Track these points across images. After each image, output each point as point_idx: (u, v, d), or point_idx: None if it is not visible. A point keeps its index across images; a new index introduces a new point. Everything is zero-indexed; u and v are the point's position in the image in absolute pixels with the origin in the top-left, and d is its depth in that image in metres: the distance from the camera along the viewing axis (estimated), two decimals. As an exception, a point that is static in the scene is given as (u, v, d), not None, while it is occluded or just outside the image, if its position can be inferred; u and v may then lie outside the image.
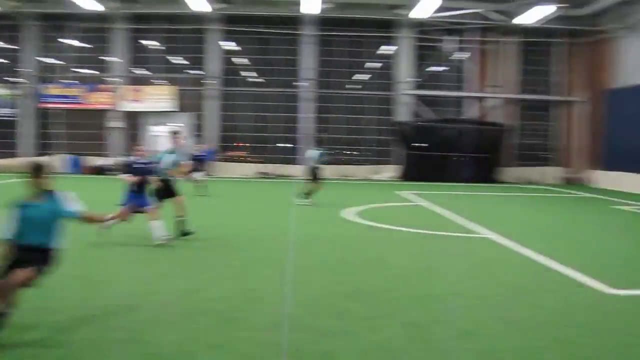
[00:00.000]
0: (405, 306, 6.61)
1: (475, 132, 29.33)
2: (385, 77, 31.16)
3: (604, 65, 31.04)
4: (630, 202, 20.83)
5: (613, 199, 21.99)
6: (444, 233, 12.28)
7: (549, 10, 25.45)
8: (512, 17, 28.27)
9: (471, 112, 31.35)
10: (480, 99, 31.43)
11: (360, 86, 31.44)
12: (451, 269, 8.66)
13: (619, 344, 5.50)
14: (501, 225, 13.53)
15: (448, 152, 28.80)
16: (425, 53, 31.05)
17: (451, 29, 30.27)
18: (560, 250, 10.43)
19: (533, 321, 6.15)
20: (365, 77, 31.70)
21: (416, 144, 29.01)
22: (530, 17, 26.83)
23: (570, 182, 31.02)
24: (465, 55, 31.31)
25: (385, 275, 8.21)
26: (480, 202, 19.85)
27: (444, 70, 31.47)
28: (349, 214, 14.77)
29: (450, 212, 15.77)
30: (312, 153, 17.39)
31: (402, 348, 5.26)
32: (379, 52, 31.49)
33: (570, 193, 24.85)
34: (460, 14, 28.81)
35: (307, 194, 16.89)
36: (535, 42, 31.47)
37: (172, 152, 10.98)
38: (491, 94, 31.21)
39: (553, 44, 31.83)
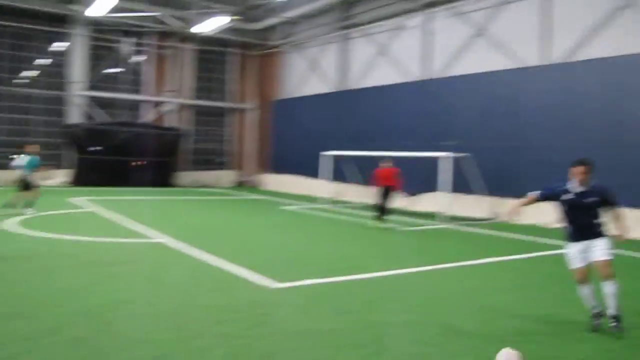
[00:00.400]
0: (72, 321, 6.15)
1: (152, 136, 29.18)
2: (56, 75, 28.86)
3: (272, 77, 33.89)
4: (294, 202, 23.02)
5: (281, 200, 24.03)
6: (117, 240, 11.87)
7: (223, 21, 26.61)
8: (190, 25, 28.83)
9: (148, 116, 31.08)
10: (157, 103, 31.36)
11: (27, 81, 28.48)
12: (123, 277, 8.38)
13: (282, 332, 5.94)
14: (175, 229, 13.64)
15: (124, 157, 28.00)
16: (101, 53, 29.68)
17: (129, 30, 29.55)
18: (231, 251, 10.93)
19: (203, 321, 6.27)
20: (34, 73, 28.85)
21: (90, 148, 27.55)
22: (207, 26, 27.68)
23: (243, 185, 32.99)
24: (142, 58, 30.90)
25: (50, 289, 7.55)
26: (155, 206, 19.77)
27: (120, 72, 30.51)
28: (10, 224, 13.31)
29: (124, 217, 15.34)
30: (23, 159, 15.56)
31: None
32: (50, 48, 29.02)
33: (243, 196, 26.35)
34: (138, 16, 28.38)
35: (26, 204, 15.59)
36: (211, 50, 32.71)
37: None
38: (168, 99, 31.38)
39: (228, 54, 33.48)
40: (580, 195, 6.40)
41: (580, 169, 6.37)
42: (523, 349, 5.60)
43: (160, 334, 5.77)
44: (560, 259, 11.48)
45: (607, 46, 17.22)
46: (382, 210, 15.50)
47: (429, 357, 5.36)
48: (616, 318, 6.20)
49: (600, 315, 6.37)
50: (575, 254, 6.48)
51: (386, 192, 15.42)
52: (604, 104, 16.57)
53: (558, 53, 18.75)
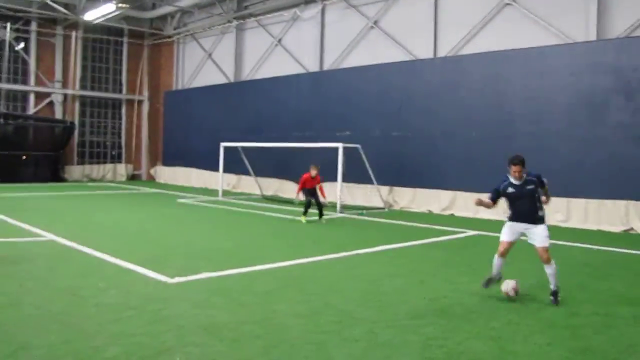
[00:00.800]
0: (-51, 327, 5.77)
1: (39, 128, 27.67)
2: None
3: (165, 67, 33.07)
4: (189, 195, 22.67)
5: (176, 193, 23.56)
6: (3, 239, 11.22)
7: (111, 8, 25.55)
8: (77, 11, 27.50)
9: (32, 107, 29.32)
10: (43, 94, 29.66)
11: None
12: (10, 278, 7.94)
13: (179, 328, 5.86)
14: (66, 226, 13.09)
15: (6, 151, 26.24)
16: (-24, 40, 27.75)
17: (9, 15, 27.63)
18: (124, 247, 10.63)
19: (96, 321, 6.08)
20: None
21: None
22: (95, 13, 26.51)
23: (136, 178, 32.04)
24: (23, 46, 28.98)
25: None
26: (44, 203, 18.79)
27: (1, 60, 28.55)
28: None
29: (11, 215, 14.50)
30: None
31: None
32: None
33: (137, 190, 25.59)
34: (20, 0, 26.68)
35: None
36: (100, 39, 31.34)
37: None
38: (55, 89, 29.76)
39: (119, 43, 32.21)
40: (520, 187, 7.44)
41: (517, 167, 7.42)
42: (417, 333, 5.88)
43: (50, 337, 5.53)
44: (449, 245, 12.11)
45: (491, 41, 18.21)
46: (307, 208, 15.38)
47: (327, 345, 5.49)
48: (555, 294, 7.20)
49: (491, 281, 7.56)
50: (508, 230, 7.52)
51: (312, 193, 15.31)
52: (487, 95, 17.50)
53: (447, 47, 19.60)
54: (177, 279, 8.03)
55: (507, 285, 7.36)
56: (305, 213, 15.19)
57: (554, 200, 15.44)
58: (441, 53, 19.74)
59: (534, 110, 16.43)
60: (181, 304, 6.84)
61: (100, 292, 7.34)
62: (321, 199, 15.41)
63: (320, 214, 15.32)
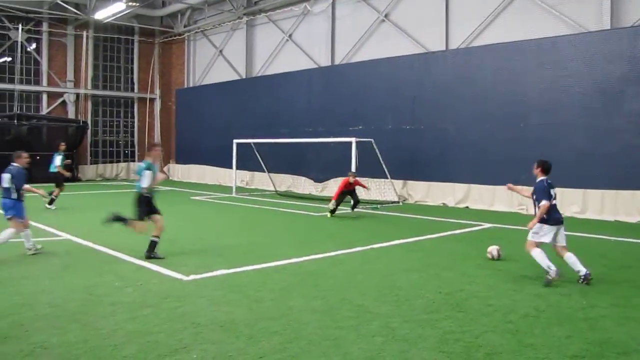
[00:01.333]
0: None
1: (51, 128, 27.81)
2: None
3: (177, 65, 33.14)
4: (203, 192, 22.71)
5: (190, 190, 23.62)
6: (20, 240, 11.26)
7: (120, 7, 25.62)
8: (88, 11, 27.60)
9: (45, 107, 29.51)
10: (56, 94, 29.84)
11: None
12: (28, 277, 7.99)
13: (195, 325, 5.86)
14: (81, 225, 13.17)
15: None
16: (-11, 41, 27.95)
17: (21, 16, 27.82)
18: (140, 245, 10.63)
19: (112, 319, 6.09)
20: None
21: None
22: (106, 12, 26.60)
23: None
24: (35, 47, 29.15)
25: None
26: (59, 202, 18.89)
27: (11, 61, 28.71)
28: None
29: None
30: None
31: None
32: None
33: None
34: (30, 1, 26.80)
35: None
36: (111, 38, 31.46)
37: None
38: (67, 89, 29.94)
39: (129, 42, 32.31)
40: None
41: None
42: (434, 327, 5.84)
43: (68, 336, 5.55)
44: (465, 237, 12.03)
45: (503, 32, 18.06)
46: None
47: (344, 340, 5.46)
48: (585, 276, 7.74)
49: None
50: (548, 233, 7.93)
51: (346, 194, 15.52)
52: (500, 86, 17.35)
53: (459, 39, 19.46)
54: (192, 277, 8.04)
55: (493, 249, 9.48)
56: (333, 211, 15.20)
57: (570, 191, 15.40)
58: (453, 45, 19.59)
59: (547, 101, 16.28)
60: (197, 301, 6.84)
61: (117, 290, 7.36)
62: (363, 191, 16.37)
63: (354, 207, 15.59)
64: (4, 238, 9.38)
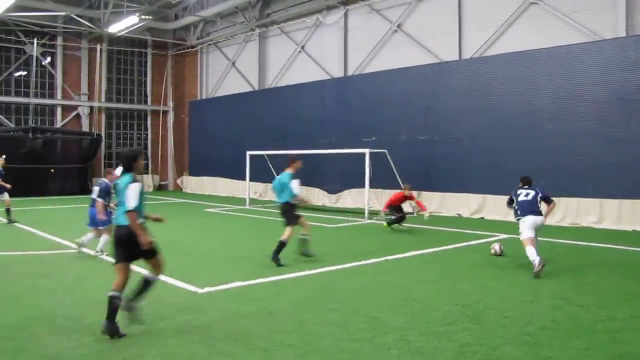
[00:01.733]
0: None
1: (65, 141, 28.03)
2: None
3: (190, 77, 33.37)
4: (217, 204, 22.74)
5: (203, 202, 23.68)
6: (36, 252, 11.35)
7: (133, 20, 25.83)
8: (102, 25, 27.89)
9: (60, 120, 29.77)
10: (70, 107, 30.11)
11: None
12: (43, 290, 8.01)
13: (211, 337, 5.83)
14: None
15: (34, 164, 26.33)
16: (6, 55, 28.25)
17: (35, 30, 28.19)
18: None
19: (127, 331, 6.05)
20: None
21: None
22: (119, 26, 26.84)
23: (163, 189, 32.32)
24: (50, 60, 29.48)
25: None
26: (72, 215, 19.01)
27: (27, 75, 29.03)
28: None
29: (39, 229, 14.69)
30: None
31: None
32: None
33: (164, 200, 25.78)
34: (44, 16, 27.09)
35: None
36: (125, 51, 31.76)
37: None
38: (81, 102, 30.20)
39: (142, 55, 32.59)
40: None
41: None
42: (450, 339, 5.77)
43: (82, 349, 5.54)
44: (480, 248, 11.92)
45: (517, 41, 18.00)
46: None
47: (359, 353, 5.41)
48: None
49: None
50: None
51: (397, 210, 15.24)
52: (515, 95, 17.27)
53: (472, 48, 19.41)
54: (207, 289, 8.02)
55: (495, 245, 10.86)
56: (391, 223, 14.97)
57: (586, 201, 15.25)
58: (466, 55, 19.55)
59: (563, 110, 16.17)
60: (212, 313, 6.82)
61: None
62: (416, 209, 16.70)
63: (400, 222, 15.12)
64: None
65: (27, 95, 28.64)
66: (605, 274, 9.00)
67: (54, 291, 7.97)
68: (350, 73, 23.56)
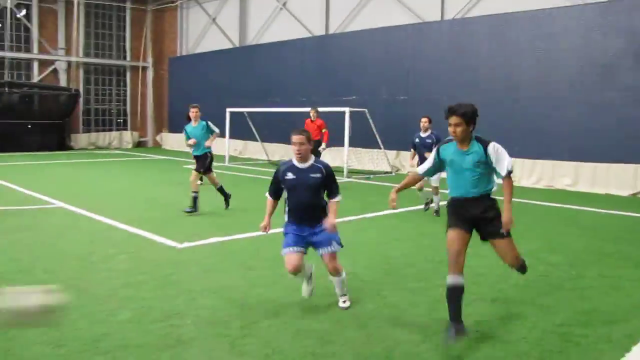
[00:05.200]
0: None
1: (42, 97, 27.55)
2: None
3: (169, 33, 32.79)
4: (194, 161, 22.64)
5: (181, 159, 23.59)
6: (13, 207, 11.30)
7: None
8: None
9: (36, 75, 29.18)
10: (47, 61, 29.48)
11: None
12: (21, 245, 8.03)
13: (189, 292, 5.93)
14: (74, 193, 13.17)
15: (11, 120, 25.91)
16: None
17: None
18: (134, 213, 10.70)
19: (107, 285, 6.15)
20: None
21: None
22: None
23: (142, 146, 32.06)
24: (25, 13, 28.66)
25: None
26: (50, 171, 18.87)
27: (1, 28, 28.14)
28: None
29: (17, 184, 14.58)
30: None
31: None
32: None
33: (143, 156, 25.63)
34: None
35: None
36: (103, 5, 31.01)
37: None
38: (59, 57, 29.57)
39: (121, 9, 31.87)
40: None
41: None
42: (424, 295, 5.93)
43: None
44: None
45: (500, 3, 17.91)
46: None
47: (336, 306, 5.55)
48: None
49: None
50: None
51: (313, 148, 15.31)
52: (495, 58, 17.30)
53: (455, 9, 19.31)
54: (186, 244, 8.10)
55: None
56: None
57: (562, 164, 15.49)
58: (449, 16, 19.45)
59: (542, 74, 16.25)
60: (191, 268, 6.91)
61: (111, 257, 7.41)
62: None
63: None
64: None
65: (2, 48, 27.95)
66: (577, 235, 9.22)
67: (33, 246, 7.98)
68: (332, 31, 23.35)
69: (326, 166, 5.59)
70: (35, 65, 29.17)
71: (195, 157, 11.49)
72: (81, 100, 29.85)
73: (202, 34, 30.58)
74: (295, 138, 5.36)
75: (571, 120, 15.59)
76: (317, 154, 15.16)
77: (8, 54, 28.01)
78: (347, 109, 18.02)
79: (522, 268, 5.38)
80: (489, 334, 4.93)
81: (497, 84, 17.16)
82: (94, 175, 17.66)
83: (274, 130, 23.06)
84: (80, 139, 29.92)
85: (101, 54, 31.43)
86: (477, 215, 5.01)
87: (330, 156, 21.42)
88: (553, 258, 7.57)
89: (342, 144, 18.20)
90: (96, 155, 25.80)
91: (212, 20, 29.79)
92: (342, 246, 5.59)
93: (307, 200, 5.50)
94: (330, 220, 5.41)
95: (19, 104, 26.38)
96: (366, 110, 18.49)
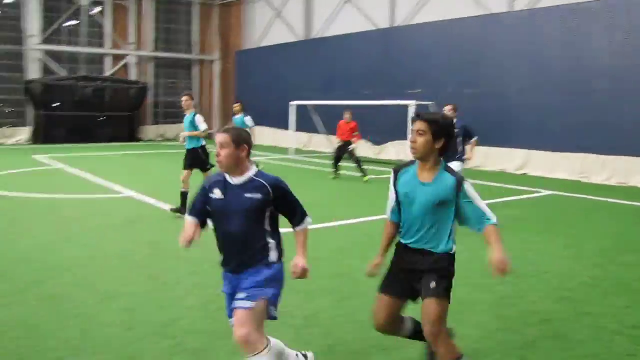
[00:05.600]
0: (49, 276, 6.16)
1: (115, 90, 28.55)
2: (10, 29, 27.64)
3: (236, 27, 33.28)
4: (260, 153, 23.01)
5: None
6: (85, 196, 11.80)
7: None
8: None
9: (109, 69, 30.26)
10: (119, 56, 30.50)
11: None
12: (93, 232, 8.38)
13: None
14: (144, 183, 13.62)
15: (85, 112, 27.18)
16: (56, 5, 28.63)
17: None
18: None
19: (176, 273, 6.36)
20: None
21: (52, 105, 26.62)
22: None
23: (209, 138, 32.56)
24: (100, 10, 29.72)
25: (24, 246, 7.50)
26: (121, 161, 19.57)
27: (79, 25, 29.34)
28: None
29: (90, 174, 15.19)
30: None
31: (43, 322, 4.91)
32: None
33: (209, 148, 26.07)
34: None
35: None
36: (171, 1, 31.79)
37: None
38: (130, 52, 30.56)
39: (189, 4, 32.59)
40: None
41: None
42: (490, 291, 5.84)
43: (134, 287, 5.84)
44: (523, 204, 11.85)
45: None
46: (336, 162, 15.67)
47: (398, 301, 5.54)
48: None
49: None
50: None
51: (343, 146, 15.61)
52: (565, 49, 16.76)
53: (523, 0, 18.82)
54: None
55: None
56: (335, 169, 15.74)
57: (635, 160, 14.84)
58: (518, 7, 18.95)
59: (614, 66, 15.62)
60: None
61: (179, 246, 7.60)
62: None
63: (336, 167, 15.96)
64: None
65: (77, 44, 29.13)
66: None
67: (105, 233, 8.32)
68: (397, 24, 23.15)
69: (274, 181, 3.71)
70: (108, 60, 30.26)
71: (187, 151, 10.64)
72: (150, 93, 30.75)
73: (267, 27, 30.90)
74: (217, 137, 3.67)
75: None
76: (347, 153, 15.56)
77: (84, 50, 29.17)
78: (413, 102, 17.88)
79: (435, 344, 3.67)
80: (555, 334, 4.82)
81: (568, 77, 16.61)
82: (162, 166, 18.19)
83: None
84: (149, 131, 30.82)
85: (170, 48, 32.26)
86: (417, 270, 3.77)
87: (395, 150, 21.35)
88: (626, 258, 7.31)
89: (405, 138, 18.06)
90: (164, 147, 26.52)
91: (278, 14, 30.05)
92: (274, 313, 3.74)
93: (236, 232, 3.72)
94: (298, 262, 3.80)
95: (92, 97, 27.46)
96: (432, 103, 18.27)
